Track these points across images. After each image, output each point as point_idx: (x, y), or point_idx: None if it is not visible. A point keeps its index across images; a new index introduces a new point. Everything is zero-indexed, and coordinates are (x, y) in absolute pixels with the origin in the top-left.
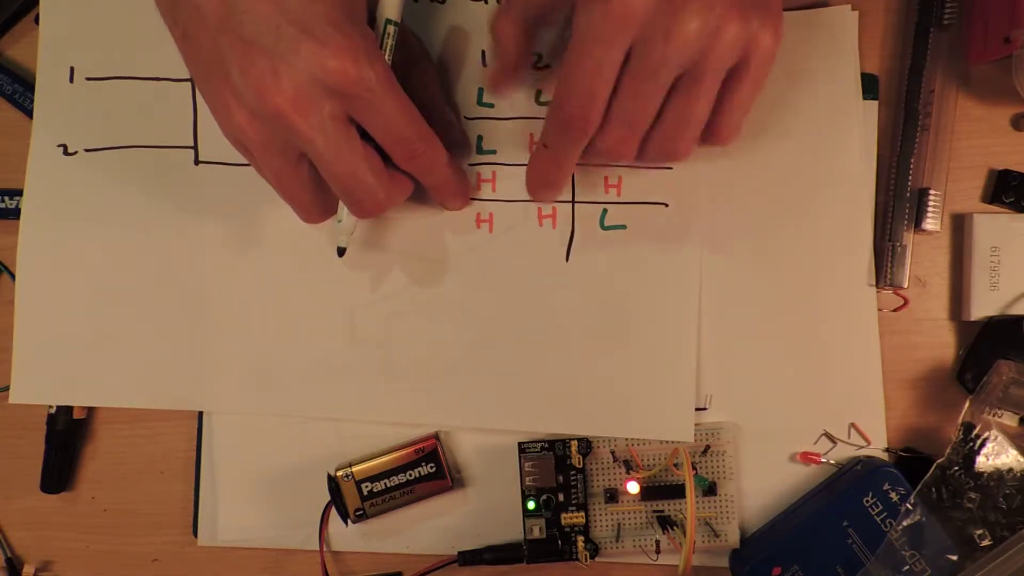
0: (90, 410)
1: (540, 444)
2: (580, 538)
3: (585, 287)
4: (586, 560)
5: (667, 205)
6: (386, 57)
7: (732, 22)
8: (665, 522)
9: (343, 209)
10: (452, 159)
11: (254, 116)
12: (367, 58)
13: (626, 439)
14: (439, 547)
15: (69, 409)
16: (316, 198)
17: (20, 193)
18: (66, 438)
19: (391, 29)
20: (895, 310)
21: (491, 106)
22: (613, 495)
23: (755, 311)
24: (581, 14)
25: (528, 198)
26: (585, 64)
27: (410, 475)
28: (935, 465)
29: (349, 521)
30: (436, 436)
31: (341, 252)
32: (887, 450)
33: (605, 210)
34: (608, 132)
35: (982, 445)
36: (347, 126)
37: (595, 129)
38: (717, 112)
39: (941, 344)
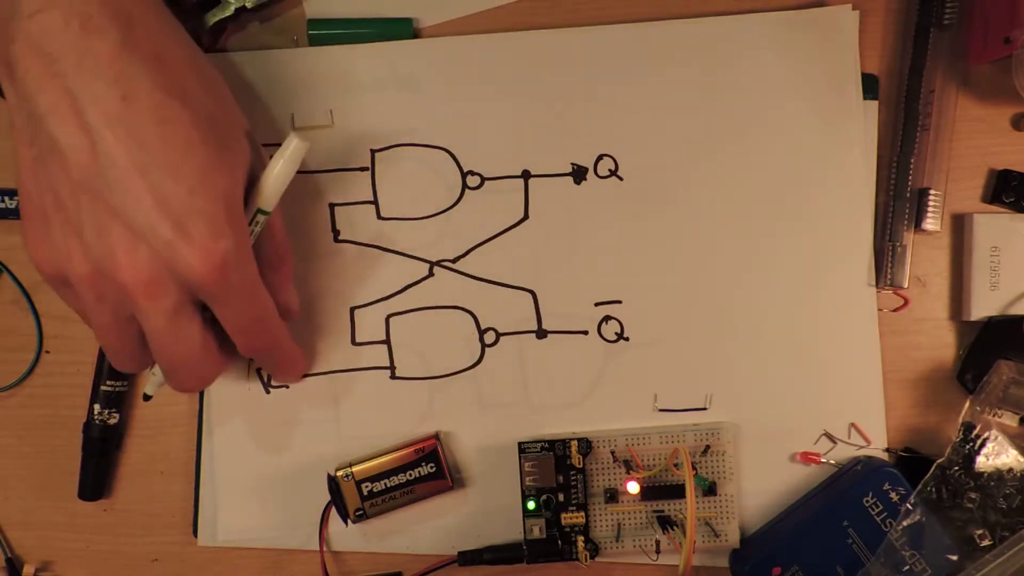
0: (122, 415)
1: (540, 444)
2: (580, 538)
3: None
4: (586, 560)
5: None
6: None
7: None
8: (665, 522)
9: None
10: (291, 339)
11: (98, 273)
12: (236, 262)
13: (631, 435)
14: (439, 547)
15: (103, 416)
16: (135, 354)
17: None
18: (103, 445)
19: (261, 218)
20: (895, 310)
21: None
22: (613, 495)
23: (755, 311)
24: None
25: None
26: None
27: (410, 475)
28: (935, 465)
29: (349, 521)
30: (436, 436)
31: (147, 398)
32: (887, 450)
33: None
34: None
35: (982, 445)
36: (192, 313)
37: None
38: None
39: (941, 344)
